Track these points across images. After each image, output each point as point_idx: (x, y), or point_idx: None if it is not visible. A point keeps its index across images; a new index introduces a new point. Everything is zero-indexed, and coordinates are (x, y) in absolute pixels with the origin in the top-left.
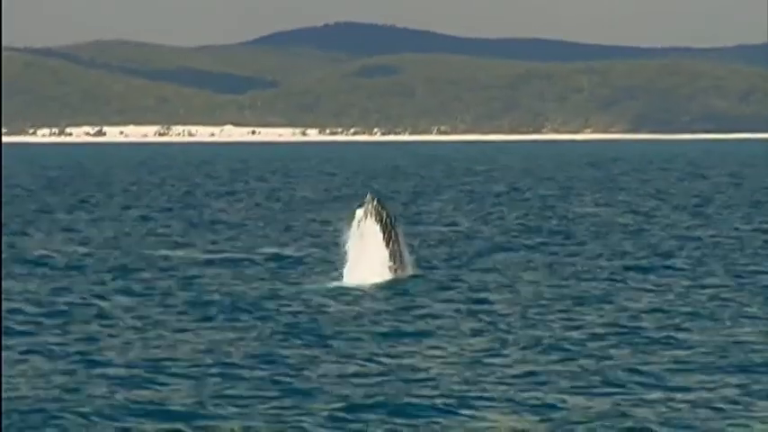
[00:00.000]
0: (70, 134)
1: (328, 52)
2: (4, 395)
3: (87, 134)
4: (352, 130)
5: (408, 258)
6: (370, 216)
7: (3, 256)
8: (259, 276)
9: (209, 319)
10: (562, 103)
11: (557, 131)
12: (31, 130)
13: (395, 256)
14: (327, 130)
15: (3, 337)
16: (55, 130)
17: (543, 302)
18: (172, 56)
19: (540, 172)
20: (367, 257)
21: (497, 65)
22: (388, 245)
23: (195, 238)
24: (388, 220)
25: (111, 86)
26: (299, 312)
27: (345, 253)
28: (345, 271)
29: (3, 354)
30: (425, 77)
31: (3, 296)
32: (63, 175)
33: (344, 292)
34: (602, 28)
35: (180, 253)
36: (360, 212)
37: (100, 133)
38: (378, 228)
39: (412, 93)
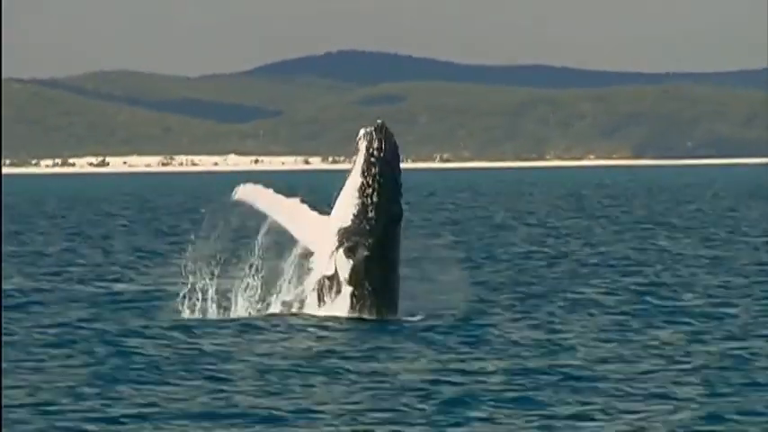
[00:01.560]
0: (73, 164)
1: (331, 81)
2: None
3: (90, 164)
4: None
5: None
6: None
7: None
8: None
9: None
10: (565, 130)
11: (560, 158)
12: (33, 161)
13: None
14: (330, 158)
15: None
16: (58, 160)
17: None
18: (175, 86)
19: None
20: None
21: (500, 91)
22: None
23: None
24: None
25: (114, 117)
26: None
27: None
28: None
29: None
30: (428, 105)
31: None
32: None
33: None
34: (603, 54)
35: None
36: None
37: (103, 164)
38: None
39: (414, 120)
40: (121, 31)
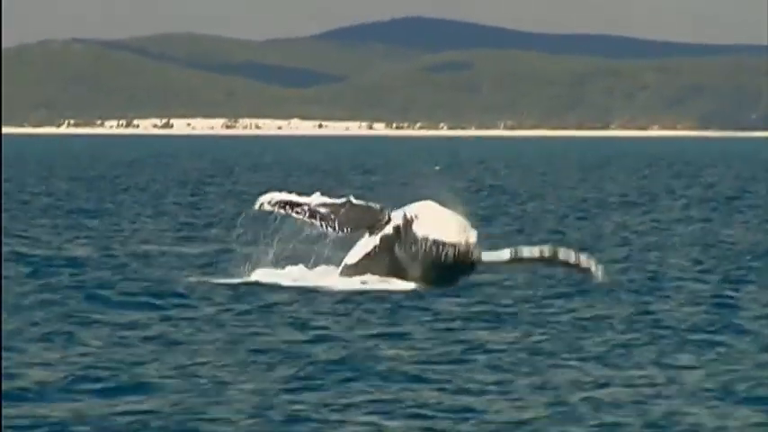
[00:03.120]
0: (137, 126)
1: (396, 47)
2: None
3: (155, 126)
4: (417, 125)
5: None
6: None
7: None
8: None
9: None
10: (629, 100)
11: (624, 128)
12: (98, 122)
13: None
14: (394, 124)
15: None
16: (122, 121)
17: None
18: (239, 49)
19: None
20: None
21: (566, 60)
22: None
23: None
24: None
25: (178, 79)
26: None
27: None
28: None
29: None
30: (493, 73)
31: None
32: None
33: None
34: (670, 25)
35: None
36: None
37: (167, 125)
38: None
39: (479, 88)
40: None
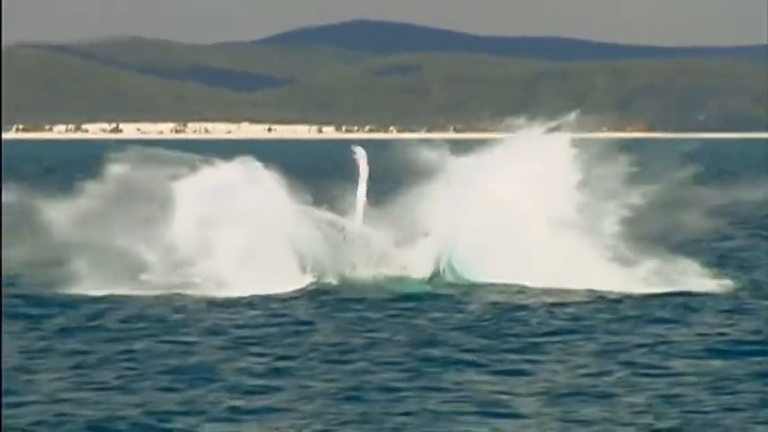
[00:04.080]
0: (86, 131)
1: (346, 50)
2: None
3: (103, 131)
4: (367, 128)
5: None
6: None
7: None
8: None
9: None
10: (578, 102)
11: (573, 130)
12: (47, 127)
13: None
14: (343, 128)
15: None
16: (71, 126)
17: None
18: (188, 54)
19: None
20: None
21: (514, 63)
22: None
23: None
24: None
25: (127, 84)
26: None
27: None
28: None
29: None
30: (442, 76)
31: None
32: None
33: None
34: (618, 27)
35: None
36: None
37: (116, 130)
38: None
39: (428, 91)
40: None
